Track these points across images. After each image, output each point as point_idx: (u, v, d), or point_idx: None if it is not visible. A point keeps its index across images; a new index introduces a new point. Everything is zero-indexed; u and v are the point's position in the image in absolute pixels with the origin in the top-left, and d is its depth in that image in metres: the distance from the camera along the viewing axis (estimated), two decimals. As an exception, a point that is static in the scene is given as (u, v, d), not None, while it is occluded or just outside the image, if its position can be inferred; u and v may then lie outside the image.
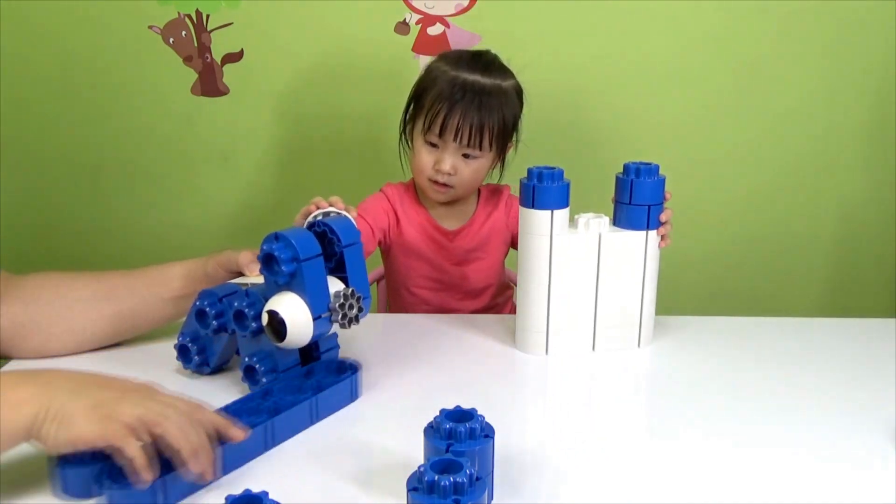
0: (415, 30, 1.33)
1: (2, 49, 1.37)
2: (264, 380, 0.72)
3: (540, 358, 0.85)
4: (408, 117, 1.05)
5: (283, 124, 1.40)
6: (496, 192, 1.10)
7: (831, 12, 1.31)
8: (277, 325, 0.70)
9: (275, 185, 1.44)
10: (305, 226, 0.79)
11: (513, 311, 0.91)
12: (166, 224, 1.48)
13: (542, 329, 0.85)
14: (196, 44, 1.35)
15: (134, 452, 0.54)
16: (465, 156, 0.99)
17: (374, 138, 1.39)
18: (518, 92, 1.03)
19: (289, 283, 0.70)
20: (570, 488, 0.60)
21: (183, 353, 0.78)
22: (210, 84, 1.38)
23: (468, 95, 0.97)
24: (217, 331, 0.74)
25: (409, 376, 0.80)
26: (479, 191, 1.09)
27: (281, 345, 0.71)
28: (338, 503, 0.58)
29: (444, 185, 1.00)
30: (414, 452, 0.61)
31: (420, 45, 1.34)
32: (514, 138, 1.05)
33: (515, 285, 0.90)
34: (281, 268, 0.68)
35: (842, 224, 1.44)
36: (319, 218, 0.78)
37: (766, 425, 0.70)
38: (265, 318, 0.70)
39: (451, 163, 0.98)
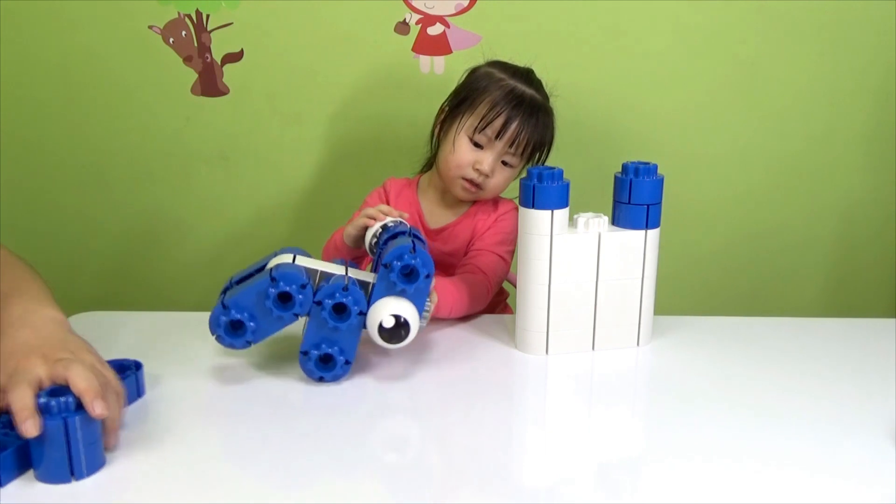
0: (415, 30, 1.33)
1: (2, 49, 1.37)
2: (339, 370, 0.76)
3: (540, 358, 0.85)
4: (450, 113, 1.06)
5: (283, 124, 1.40)
6: (497, 203, 1.09)
7: (831, 10, 1.31)
8: (398, 329, 0.74)
9: (274, 185, 1.44)
10: (374, 235, 0.86)
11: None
12: (166, 224, 1.48)
13: (542, 329, 0.85)
14: (196, 44, 1.35)
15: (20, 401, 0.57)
16: (504, 163, 1.03)
17: (374, 138, 1.39)
18: (553, 114, 1.08)
19: (412, 293, 0.76)
20: (569, 488, 0.60)
21: (234, 328, 0.75)
22: (210, 84, 1.38)
23: (528, 107, 1.01)
24: (296, 315, 0.75)
25: (408, 376, 0.80)
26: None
27: (390, 346, 0.75)
28: (327, 498, 0.58)
29: (477, 185, 1.03)
30: (408, 449, 0.61)
31: (420, 45, 1.34)
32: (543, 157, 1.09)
33: (514, 286, 0.90)
34: (419, 282, 0.75)
35: (842, 223, 1.44)
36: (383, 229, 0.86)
37: (766, 425, 0.70)
38: (391, 322, 0.74)
39: (488, 165, 1.01)
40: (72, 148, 1.43)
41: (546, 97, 1.07)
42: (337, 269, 0.79)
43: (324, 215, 1.45)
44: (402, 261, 0.74)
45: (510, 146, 1.01)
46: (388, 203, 1.09)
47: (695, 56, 1.34)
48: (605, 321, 0.86)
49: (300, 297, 0.74)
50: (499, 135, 1.00)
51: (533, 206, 0.81)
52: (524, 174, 1.06)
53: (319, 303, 0.74)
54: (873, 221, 1.43)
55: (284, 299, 0.74)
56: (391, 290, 0.76)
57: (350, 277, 0.76)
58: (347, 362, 0.76)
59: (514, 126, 1.00)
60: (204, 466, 0.63)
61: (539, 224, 0.82)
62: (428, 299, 0.79)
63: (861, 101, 1.37)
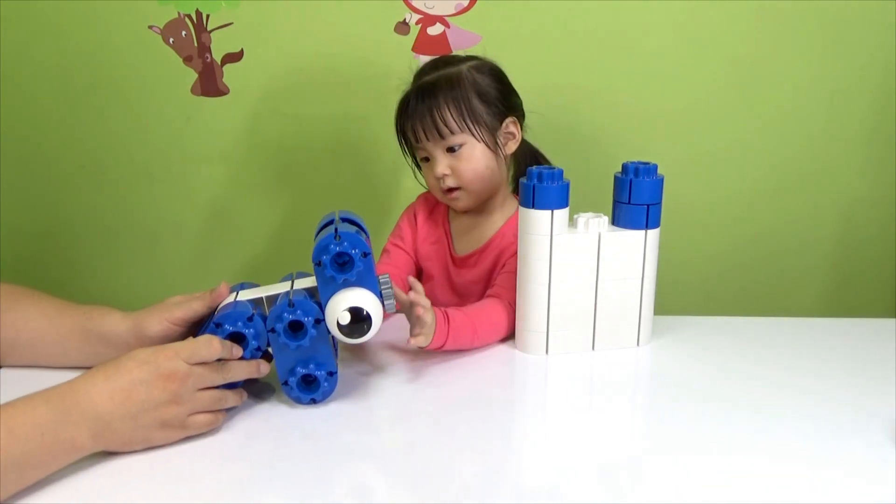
0: (415, 30, 1.33)
1: (2, 48, 1.37)
2: (326, 385, 0.72)
3: (540, 358, 0.85)
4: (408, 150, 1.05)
5: (284, 124, 1.40)
6: None
7: (830, 10, 1.31)
8: (360, 322, 0.69)
9: (274, 185, 1.44)
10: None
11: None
12: (166, 224, 1.48)
13: (542, 329, 0.85)
14: (196, 44, 1.35)
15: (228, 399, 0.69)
16: (451, 151, 0.97)
17: (374, 138, 1.39)
18: (480, 68, 0.99)
19: (356, 279, 0.70)
20: (569, 488, 0.60)
21: None
22: (210, 84, 1.38)
23: (417, 97, 0.97)
24: (259, 349, 0.71)
25: (407, 375, 0.80)
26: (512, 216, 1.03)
27: (358, 341, 0.70)
28: (329, 497, 0.58)
29: (450, 189, 0.98)
30: (410, 450, 0.61)
31: (420, 45, 1.34)
32: (504, 112, 1.00)
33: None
34: (356, 265, 0.69)
35: (842, 224, 1.44)
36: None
37: (766, 425, 0.70)
38: (346, 318, 0.68)
39: (442, 165, 0.97)
40: (71, 148, 1.43)
41: (453, 64, 0.99)
42: (281, 289, 0.75)
43: (324, 215, 1.45)
44: (328, 253, 0.69)
45: (429, 138, 0.96)
46: (416, 227, 1.06)
47: (695, 56, 1.34)
48: (605, 321, 0.86)
49: (251, 331, 0.69)
50: (418, 140, 0.98)
51: (533, 207, 0.81)
52: (509, 141, 0.99)
53: (273, 330, 0.70)
54: (873, 221, 1.43)
55: (237, 341, 0.70)
56: (335, 285, 0.70)
57: (295, 291, 0.72)
58: (331, 374, 0.72)
59: (415, 123, 0.96)
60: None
61: (539, 224, 0.82)
62: (388, 283, 0.74)
63: (861, 101, 1.37)
